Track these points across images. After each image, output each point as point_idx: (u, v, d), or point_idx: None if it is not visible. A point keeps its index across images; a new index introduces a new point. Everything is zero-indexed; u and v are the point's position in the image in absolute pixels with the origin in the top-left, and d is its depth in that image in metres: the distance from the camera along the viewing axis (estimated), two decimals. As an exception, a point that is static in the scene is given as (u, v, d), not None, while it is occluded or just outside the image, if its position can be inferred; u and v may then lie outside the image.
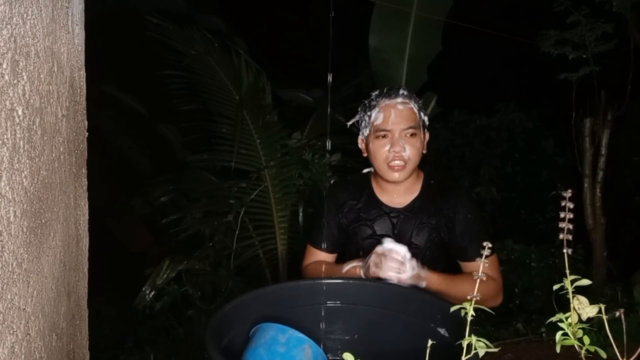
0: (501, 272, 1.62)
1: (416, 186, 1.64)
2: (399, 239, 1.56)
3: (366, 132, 1.61)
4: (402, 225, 1.61)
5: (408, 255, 1.41)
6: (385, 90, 1.61)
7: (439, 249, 1.63)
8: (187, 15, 3.96)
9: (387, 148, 1.55)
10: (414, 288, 1.53)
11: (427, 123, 1.64)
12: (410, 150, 1.55)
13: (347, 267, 1.55)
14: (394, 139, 1.54)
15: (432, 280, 1.45)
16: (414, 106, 1.58)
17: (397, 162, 1.55)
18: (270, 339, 1.16)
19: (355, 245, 1.66)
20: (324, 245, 1.69)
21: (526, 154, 5.27)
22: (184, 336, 3.42)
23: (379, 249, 1.43)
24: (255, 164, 3.43)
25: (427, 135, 1.65)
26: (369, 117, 1.59)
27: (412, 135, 1.55)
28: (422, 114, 1.61)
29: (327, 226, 1.69)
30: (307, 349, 1.17)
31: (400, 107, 1.55)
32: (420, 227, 1.60)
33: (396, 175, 1.57)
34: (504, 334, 3.08)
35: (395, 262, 1.39)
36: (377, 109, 1.57)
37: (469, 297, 0.76)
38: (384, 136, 1.56)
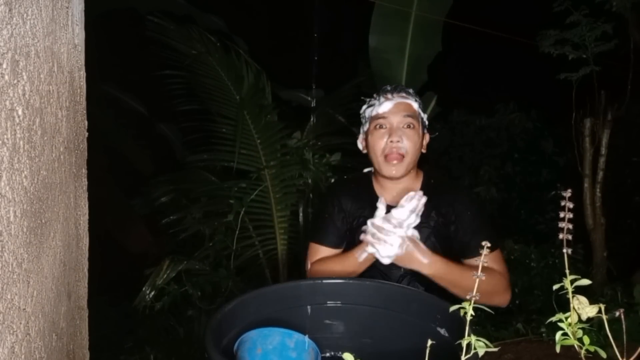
0: (507, 269, 1.56)
1: (415, 185, 1.64)
2: None
3: (366, 127, 1.63)
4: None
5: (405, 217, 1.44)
6: (387, 87, 1.64)
7: (439, 251, 1.61)
8: (187, 15, 3.96)
9: (385, 139, 1.56)
10: (415, 285, 1.53)
11: (427, 123, 1.65)
12: (407, 143, 1.55)
13: (361, 253, 1.50)
14: (392, 128, 1.56)
15: (434, 259, 1.44)
16: (413, 102, 1.60)
17: (394, 153, 1.55)
18: (279, 344, 1.15)
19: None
20: (329, 240, 1.64)
21: (526, 154, 5.27)
22: (184, 336, 3.42)
23: (373, 221, 1.46)
24: (255, 164, 3.43)
25: (427, 137, 1.66)
26: (370, 112, 1.62)
27: (409, 126, 1.56)
28: (421, 113, 1.62)
29: (332, 221, 1.66)
30: (311, 351, 1.17)
31: (399, 99, 1.58)
32: (419, 228, 1.57)
33: (393, 171, 1.56)
34: (504, 334, 3.09)
35: (390, 226, 1.42)
36: (377, 104, 1.60)
37: (468, 297, 0.76)
38: (382, 126, 1.57)
